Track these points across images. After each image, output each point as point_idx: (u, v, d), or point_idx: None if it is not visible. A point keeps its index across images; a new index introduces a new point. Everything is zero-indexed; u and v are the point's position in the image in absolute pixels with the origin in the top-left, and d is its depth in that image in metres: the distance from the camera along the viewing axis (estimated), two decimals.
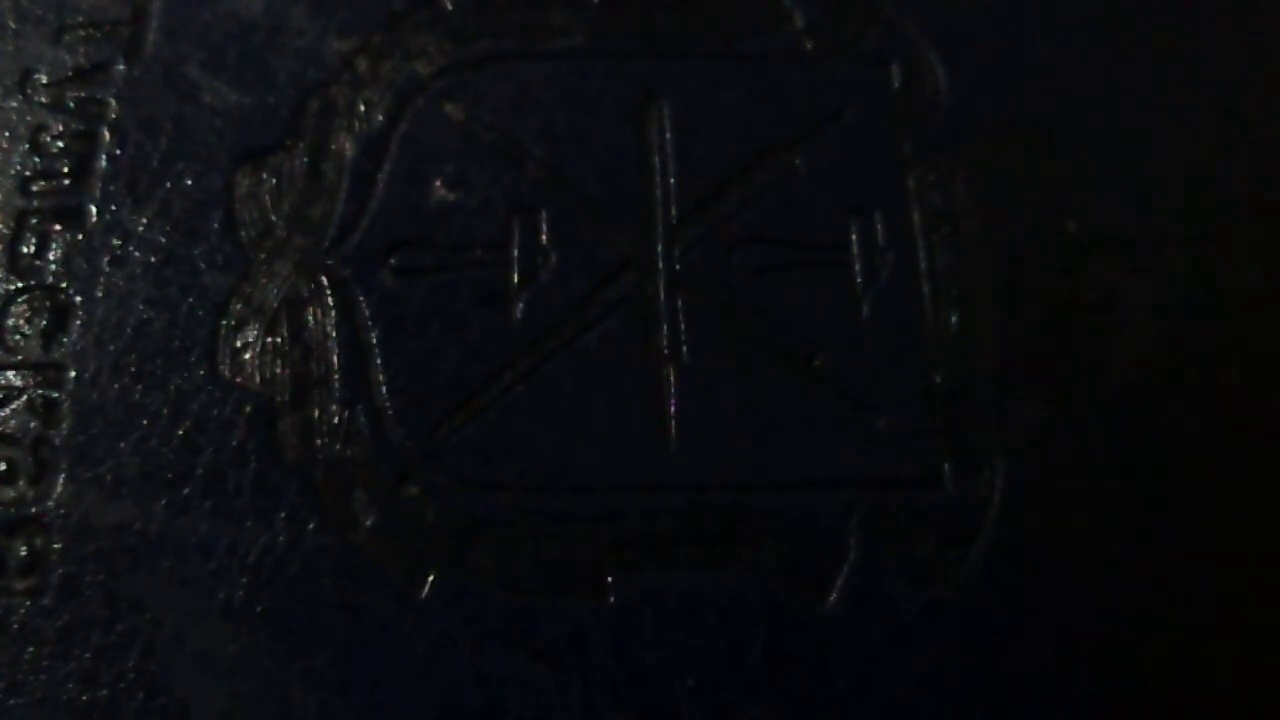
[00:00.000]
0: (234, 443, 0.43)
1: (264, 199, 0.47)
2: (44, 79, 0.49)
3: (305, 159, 0.48)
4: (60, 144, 0.48)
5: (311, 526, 0.42)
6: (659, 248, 0.47)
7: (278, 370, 0.45)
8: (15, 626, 0.41)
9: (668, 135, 0.48)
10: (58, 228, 0.47)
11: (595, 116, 0.49)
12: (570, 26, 0.50)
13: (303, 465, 0.43)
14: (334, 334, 0.45)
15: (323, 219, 0.47)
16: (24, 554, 0.42)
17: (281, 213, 0.47)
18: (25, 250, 0.46)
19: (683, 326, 0.46)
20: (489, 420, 0.44)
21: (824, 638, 0.41)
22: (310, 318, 0.46)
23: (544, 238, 0.47)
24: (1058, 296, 0.46)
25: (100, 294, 0.46)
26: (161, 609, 0.41)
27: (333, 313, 0.46)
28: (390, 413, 0.44)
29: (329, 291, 0.46)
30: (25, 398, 0.44)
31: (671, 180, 0.48)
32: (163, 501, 0.43)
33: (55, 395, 0.44)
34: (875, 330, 0.45)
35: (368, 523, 0.43)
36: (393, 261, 0.46)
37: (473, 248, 0.47)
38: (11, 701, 0.40)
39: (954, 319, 0.46)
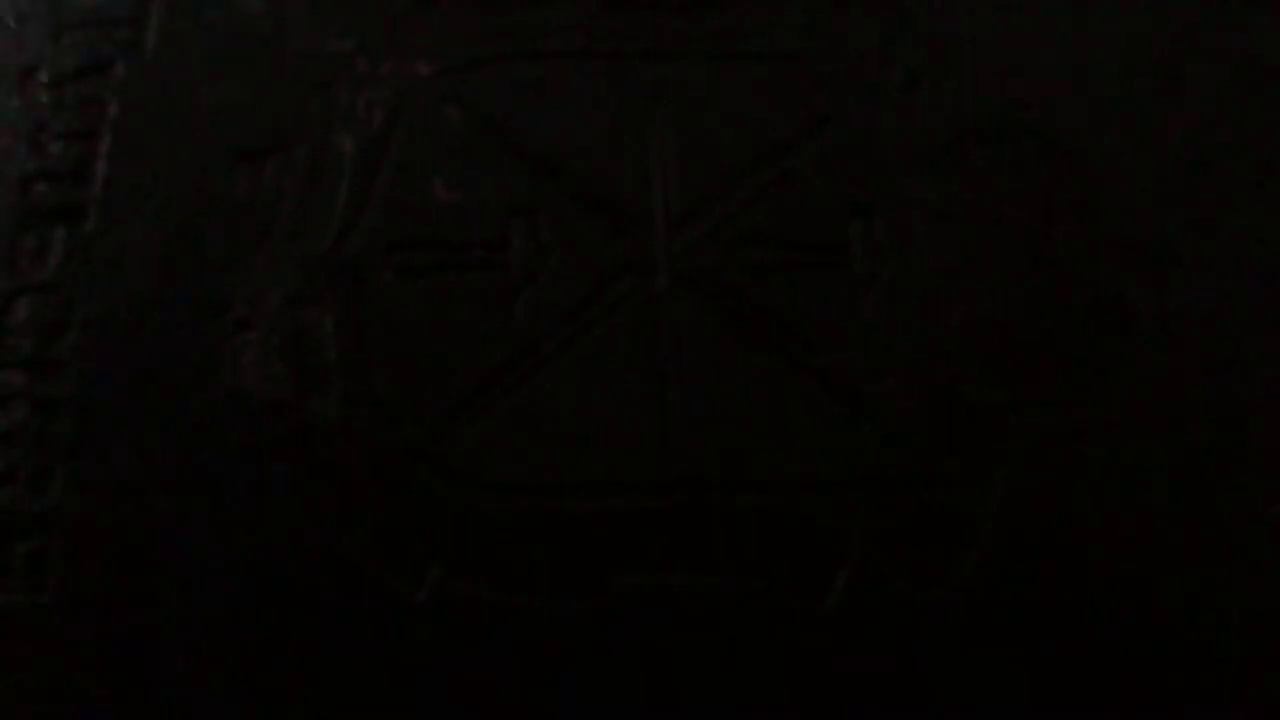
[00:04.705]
0: (234, 443, 0.43)
1: (264, 199, 0.47)
2: (44, 78, 0.49)
3: (305, 159, 0.48)
4: (60, 144, 0.48)
5: (311, 527, 0.42)
6: (659, 248, 0.47)
7: (278, 370, 0.45)
8: (15, 626, 0.41)
9: (668, 135, 0.48)
10: (58, 228, 0.47)
11: (595, 116, 0.49)
12: (570, 26, 0.50)
13: (303, 465, 0.43)
14: (334, 334, 0.45)
15: (323, 219, 0.47)
16: (24, 554, 0.42)
17: (282, 213, 0.47)
18: (25, 250, 0.46)
19: (683, 326, 0.46)
20: (489, 420, 0.44)
21: (824, 638, 0.41)
22: (310, 318, 0.46)
23: (544, 238, 0.47)
24: (1058, 296, 0.46)
25: (100, 294, 0.45)
26: (161, 609, 0.41)
27: (333, 313, 0.46)
28: (390, 413, 0.44)
29: (329, 291, 0.46)
30: (25, 398, 0.44)
31: (672, 180, 0.48)
32: (163, 501, 0.43)
33: (55, 395, 0.44)
34: (875, 330, 0.45)
35: (368, 523, 0.43)
36: (393, 261, 0.46)
37: (473, 248, 0.46)
38: (11, 702, 0.40)
39: (954, 319, 0.46)
